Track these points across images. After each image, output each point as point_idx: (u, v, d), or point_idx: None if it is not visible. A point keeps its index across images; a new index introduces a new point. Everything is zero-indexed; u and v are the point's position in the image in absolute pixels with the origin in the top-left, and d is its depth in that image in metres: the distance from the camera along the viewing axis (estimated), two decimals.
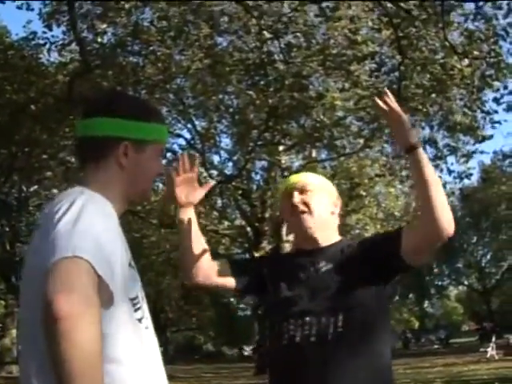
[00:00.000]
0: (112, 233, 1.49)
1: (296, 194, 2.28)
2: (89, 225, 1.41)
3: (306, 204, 2.25)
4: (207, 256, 2.30)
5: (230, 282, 2.32)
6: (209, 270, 2.29)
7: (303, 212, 2.24)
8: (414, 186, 1.86)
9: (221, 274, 2.31)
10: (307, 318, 2.10)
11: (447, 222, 2.01)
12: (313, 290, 2.15)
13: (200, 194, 2.27)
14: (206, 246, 2.30)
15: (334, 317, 2.08)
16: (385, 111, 2.04)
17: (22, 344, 1.49)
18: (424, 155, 2.02)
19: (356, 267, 2.16)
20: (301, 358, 2.09)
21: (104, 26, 14.00)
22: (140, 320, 1.52)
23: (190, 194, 2.24)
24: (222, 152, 23.15)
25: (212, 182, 2.17)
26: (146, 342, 1.52)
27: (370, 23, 12.67)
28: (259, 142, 17.64)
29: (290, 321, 2.13)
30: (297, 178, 2.36)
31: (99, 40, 14.15)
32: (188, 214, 2.26)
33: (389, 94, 2.03)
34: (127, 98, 1.88)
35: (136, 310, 1.52)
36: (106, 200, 1.55)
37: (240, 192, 23.21)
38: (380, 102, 2.03)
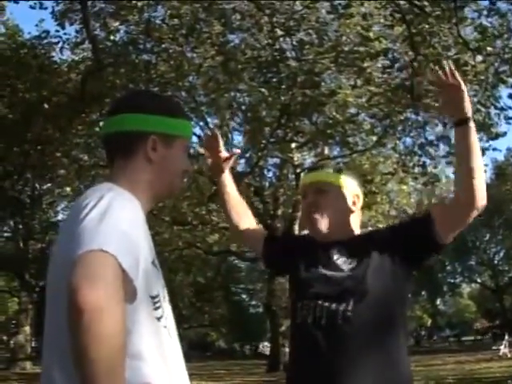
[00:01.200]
0: (138, 229, 1.50)
1: (310, 195, 2.31)
2: (116, 220, 1.42)
3: (318, 207, 2.27)
4: (245, 212, 2.61)
5: (258, 243, 2.54)
6: (246, 226, 2.56)
7: (316, 215, 2.27)
8: (457, 156, 2.21)
9: (254, 233, 2.58)
10: (319, 301, 2.14)
11: (484, 192, 2.10)
12: (328, 275, 2.19)
13: (226, 162, 2.53)
14: (242, 203, 2.62)
15: (345, 303, 2.10)
16: (442, 79, 2.06)
17: (45, 338, 1.50)
18: (474, 128, 2.08)
19: (375, 256, 2.18)
20: (311, 339, 2.13)
21: (116, 23, 14.05)
22: (159, 319, 1.52)
23: (218, 162, 2.52)
24: (235, 149, 23.10)
25: (237, 151, 2.87)
26: (164, 341, 1.53)
27: (383, 20, 12.60)
28: (271, 140, 17.60)
29: (304, 302, 2.19)
30: (313, 177, 2.35)
31: (112, 38, 14.20)
32: (222, 178, 2.56)
33: (451, 65, 2.07)
34: (154, 95, 1.97)
35: (156, 309, 1.52)
36: (134, 197, 1.57)
37: (252, 189, 23.19)
38: (440, 74, 2.06)
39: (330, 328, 2.09)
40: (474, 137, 2.07)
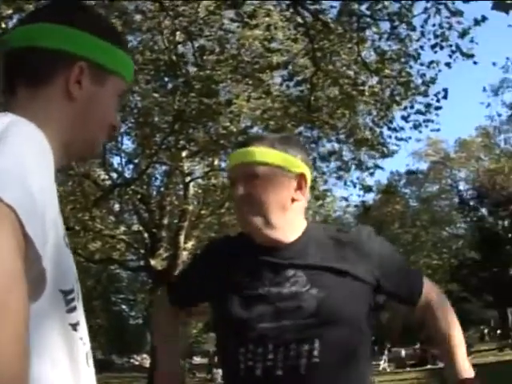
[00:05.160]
0: (48, 181, 0.97)
1: (241, 183, 1.72)
2: (15, 158, 0.90)
3: (252, 200, 1.68)
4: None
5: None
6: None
7: (249, 212, 1.69)
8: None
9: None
10: (270, 345, 1.60)
11: None
12: (276, 307, 1.61)
13: None
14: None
15: (308, 344, 1.58)
16: None
17: None
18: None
19: (338, 272, 1.66)
20: None
21: (10, 11, 13.22)
22: (75, 327, 1.02)
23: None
24: (123, 154, 22.60)
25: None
26: (81, 366, 1.02)
27: (287, 33, 12.61)
28: (163, 146, 17.24)
29: (247, 347, 1.62)
30: (244, 156, 1.73)
31: (3, 26, 13.35)
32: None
33: None
34: (90, 9, 1.32)
35: (70, 311, 1.02)
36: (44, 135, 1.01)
37: (139, 196, 22.70)
38: None
39: (289, 380, 1.58)
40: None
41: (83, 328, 1.06)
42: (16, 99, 1.13)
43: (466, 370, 1.76)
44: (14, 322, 0.79)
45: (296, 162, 1.72)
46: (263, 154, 1.69)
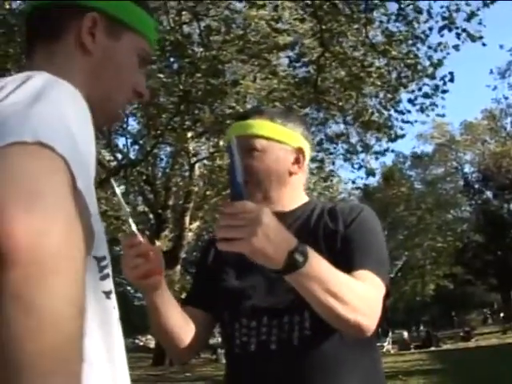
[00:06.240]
0: (90, 136, 0.92)
1: None
2: (58, 108, 0.84)
3: (250, 173, 1.61)
4: (189, 327, 1.70)
5: (209, 325, 1.76)
6: (195, 337, 1.71)
7: (248, 182, 1.57)
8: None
9: (197, 324, 1.71)
10: (264, 318, 1.56)
11: (367, 320, 1.42)
12: (270, 278, 1.49)
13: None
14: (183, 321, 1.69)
15: (299, 315, 1.52)
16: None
17: None
18: (315, 268, 1.34)
19: (328, 245, 1.57)
20: (258, 373, 1.56)
21: None
22: (108, 295, 0.97)
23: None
24: (129, 135, 22.58)
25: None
26: (114, 331, 0.99)
27: (294, 13, 12.51)
28: (168, 127, 17.19)
29: (241, 321, 1.59)
30: (241, 129, 1.68)
31: (7, 6, 13.26)
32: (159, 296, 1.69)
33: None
34: None
35: (103, 278, 0.97)
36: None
37: (144, 177, 22.69)
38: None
39: (283, 354, 1.53)
40: (318, 281, 1.34)
41: (115, 297, 1.02)
42: (36, 60, 1.09)
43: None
44: (74, 272, 0.72)
45: (294, 136, 1.70)
46: (261, 126, 1.67)
